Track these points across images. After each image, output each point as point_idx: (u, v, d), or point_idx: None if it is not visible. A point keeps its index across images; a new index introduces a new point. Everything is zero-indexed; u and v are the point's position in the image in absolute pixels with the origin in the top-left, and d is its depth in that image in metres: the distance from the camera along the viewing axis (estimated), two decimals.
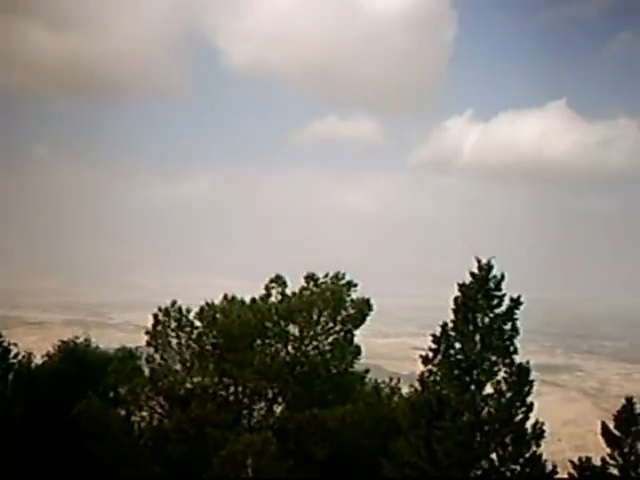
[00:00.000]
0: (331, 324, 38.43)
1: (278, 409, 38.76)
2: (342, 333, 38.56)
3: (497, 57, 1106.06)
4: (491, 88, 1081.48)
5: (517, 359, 29.32)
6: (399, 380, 40.38)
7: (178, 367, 38.40)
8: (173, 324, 38.13)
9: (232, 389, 38.44)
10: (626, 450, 30.15)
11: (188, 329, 38.07)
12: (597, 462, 30.87)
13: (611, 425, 30.74)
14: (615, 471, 30.27)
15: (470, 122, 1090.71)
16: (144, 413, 38.88)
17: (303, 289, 38.93)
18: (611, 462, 30.40)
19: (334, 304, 38.28)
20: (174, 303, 38.50)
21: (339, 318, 38.45)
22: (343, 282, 38.96)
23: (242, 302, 38.75)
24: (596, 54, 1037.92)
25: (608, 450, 30.68)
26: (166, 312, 38.26)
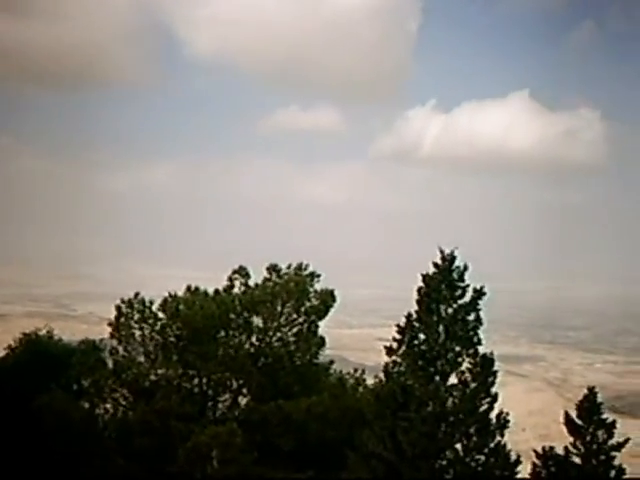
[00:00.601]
0: (295, 315, 38.47)
1: (243, 401, 38.73)
2: (306, 324, 38.60)
3: (460, 47, 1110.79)
4: (454, 78, 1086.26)
5: (481, 349, 29.44)
6: (364, 371, 40.41)
7: (142, 359, 38.26)
8: (136, 316, 37.99)
9: (196, 381, 38.34)
10: (588, 439, 30.43)
11: (151, 321, 37.93)
12: (560, 451, 31.12)
13: (574, 414, 31.00)
14: (577, 459, 30.55)
15: (433, 112, 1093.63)
16: (108, 405, 38.67)
17: (266, 280, 38.92)
18: (574, 451, 30.68)
19: (297, 295, 38.30)
20: (137, 295, 38.35)
21: (303, 309, 38.48)
22: (306, 273, 38.99)
23: (205, 293, 38.61)
24: (558, 44, 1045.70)
25: (571, 439, 30.95)
26: (129, 304, 38.11)
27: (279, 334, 38.45)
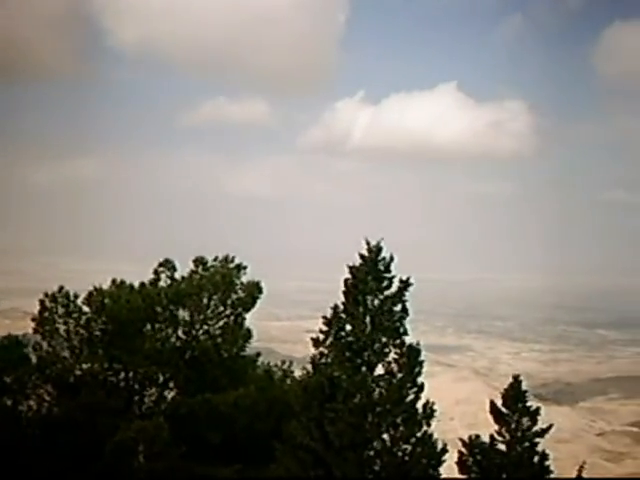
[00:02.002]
0: (221, 308, 38.36)
1: (170, 394, 38.50)
2: (233, 317, 38.52)
3: (388, 39, 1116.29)
4: (382, 70, 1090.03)
5: (408, 340, 29.54)
6: (291, 363, 40.47)
7: (66, 354, 37.75)
8: (60, 310, 37.47)
9: (122, 375, 37.99)
10: (513, 426, 30.81)
11: (76, 315, 37.46)
12: (486, 439, 31.46)
13: (499, 403, 31.35)
14: (502, 446, 30.93)
15: (362, 104, 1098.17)
16: (31, 402, 38.08)
17: (192, 273, 38.71)
18: (499, 438, 31.04)
19: (224, 288, 38.19)
20: (61, 289, 37.82)
21: (229, 302, 38.39)
22: (233, 265, 38.86)
23: (131, 287, 38.24)
24: (486, 36, 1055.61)
25: (496, 427, 31.30)
26: (53, 298, 37.54)
27: (206, 327, 38.31)
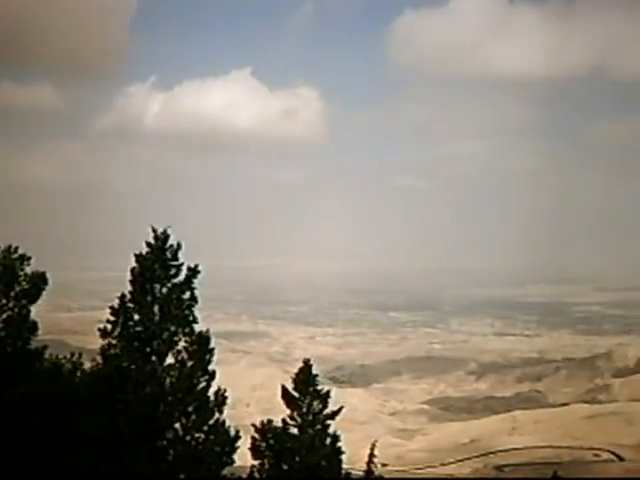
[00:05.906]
0: (4, 300, 37.05)
1: None
2: (17, 309, 37.30)
3: (181, 25, 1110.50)
4: (174, 55, 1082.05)
5: (197, 328, 29.48)
6: (80, 355, 39.58)
7: None
8: None
9: None
10: (304, 410, 31.39)
11: None
12: (280, 423, 31.85)
13: (290, 387, 31.80)
14: (295, 430, 31.40)
15: (154, 89, 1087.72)
16: None
17: None
18: (291, 422, 31.53)
19: (7, 279, 36.91)
20: None
21: (12, 294, 37.13)
22: (16, 256, 37.63)
23: None
24: (280, 24, 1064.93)
25: (289, 411, 31.74)
26: None
27: None
